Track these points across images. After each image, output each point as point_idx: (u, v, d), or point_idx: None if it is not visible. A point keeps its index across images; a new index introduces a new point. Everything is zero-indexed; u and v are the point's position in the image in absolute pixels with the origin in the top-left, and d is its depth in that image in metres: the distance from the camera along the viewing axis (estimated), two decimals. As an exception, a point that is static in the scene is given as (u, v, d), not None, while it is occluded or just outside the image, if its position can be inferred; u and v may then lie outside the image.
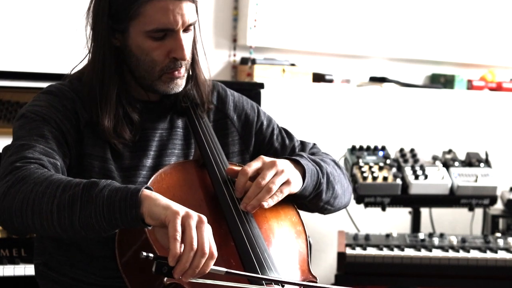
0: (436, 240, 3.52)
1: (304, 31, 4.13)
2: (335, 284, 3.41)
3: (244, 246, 1.97)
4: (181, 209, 1.78)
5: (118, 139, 2.09)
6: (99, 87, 2.08)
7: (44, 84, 2.24)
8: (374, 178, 3.63)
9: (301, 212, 2.18)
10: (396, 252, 3.44)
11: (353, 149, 3.83)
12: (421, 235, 3.57)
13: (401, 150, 3.87)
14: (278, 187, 2.04)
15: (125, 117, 2.11)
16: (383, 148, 3.84)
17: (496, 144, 4.37)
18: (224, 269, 1.81)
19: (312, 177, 2.13)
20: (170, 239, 1.75)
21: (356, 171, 3.68)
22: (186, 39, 2.07)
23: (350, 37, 4.24)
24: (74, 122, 2.07)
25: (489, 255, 3.44)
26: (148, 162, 2.13)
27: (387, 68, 4.38)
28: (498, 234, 3.70)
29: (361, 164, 3.71)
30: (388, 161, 3.74)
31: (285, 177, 2.05)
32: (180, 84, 2.12)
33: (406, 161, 3.80)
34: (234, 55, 4.07)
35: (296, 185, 2.09)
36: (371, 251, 3.45)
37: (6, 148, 2.01)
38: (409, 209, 3.86)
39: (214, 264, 1.79)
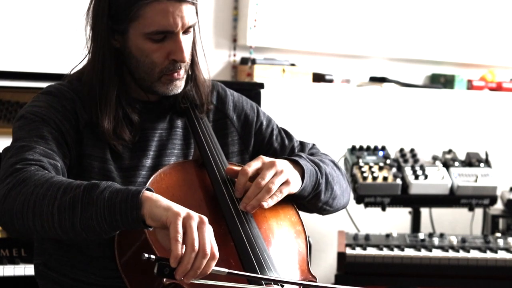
0: (436, 240, 3.52)
1: (304, 31, 4.13)
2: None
3: (243, 246, 1.97)
4: (182, 210, 1.78)
5: (118, 141, 2.09)
6: (99, 87, 2.08)
7: (44, 84, 2.23)
8: (374, 178, 3.63)
9: (300, 212, 2.18)
10: (396, 252, 3.44)
11: (353, 149, 3.83)
12: (421, 235, 3.57)
13: (401, 150, 3.87)
14: (278, 187, 2.04)
15: (125, 118, 2.11)
16: (383, 148, 3.84)
17: (496, 144, 4.37)
18: (226, 270, 1.81)
19: (311, 177, 2.13)
20: (172, 240, 1.75)
21: (356, 171, 3.68)
22: (185, 41, 2.07)
23: (350, 37, 4.24)
24: (73, 122, 2.07)
25: (489, 255, 3.44)
26: (148, 162, 2.13)
27: (387, 68, 4.38)
28: (498, 234, 3.70)
29: (361, 164, 3.71)
30: (388, 161, 3.74)
31: (285, 177, 2.05)
32: (179, 85, 2.12)
33: (406, 161, 3.80)
34: (234, 55, 4.07)
35: (295, 185, 2.09)
36: (371, 251, 3.45)
37: (6, 150, 2.01)
38: (409, 209, 3.85)
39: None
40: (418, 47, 4.40)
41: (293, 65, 4.05)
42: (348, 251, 3.43)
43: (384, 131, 4.23)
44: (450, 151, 3.91)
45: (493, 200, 3.72)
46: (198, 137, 2.16)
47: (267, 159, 2.07)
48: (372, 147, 3.84)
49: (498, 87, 4.48)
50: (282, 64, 4.01)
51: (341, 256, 3.43)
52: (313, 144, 2.36)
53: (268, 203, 2.02)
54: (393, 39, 4.34)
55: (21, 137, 2.00)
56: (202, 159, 2.12)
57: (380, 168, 3.70)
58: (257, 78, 3.91)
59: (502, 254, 3.45)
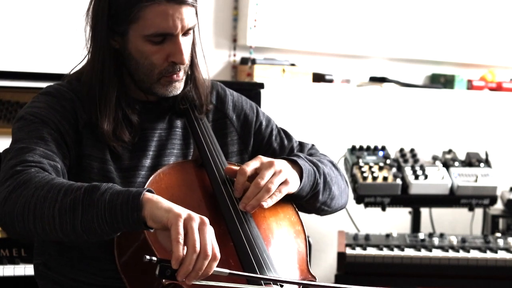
0: (436, 240, 3.52)
1: (304, 31, 4.13)
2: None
3: (243, 247, 1.97)
4: (184, 212, 1.78)
5: (117, 142, 2.09)
6: (99, 87, 2.08)
7: (44, 84, 2.23)
8: (374, 178, 3.63)
9: (300, 212, 2.18)
10: (396, 252, 3.44)
11: (353, 149, 3.83)
12: (421, 235, 3.57)
13: (401, 150, 3.87)
14: (277, 187, 2.04)
15: (125, 119, 2.11)
16: (383, 148, 3.84)
17: (496, 144, 4.37)
18: (227, 271, 1.81)
19: (309, 177, 2.13)
20: (173, 241, 1.75)
21: (356, 171, 3.68)
22: (185, 43, 2.07)
23: (350, 37, 4.24)
24: (73, 122, 2.07)
25: (489, 255, 3.44)
26: (147, 162, 2.13)
27: (387, 68, 4.38)
28: (498, 234, 3.70)
29: (361, 164, 3.71)
30: (388, 161, 3.74)
31: (283, 177, 2.05)
32: (178, 87, 2.12)
33: (406, 161, 3.80)
34: (234, 55, 4.07)
35: (294, 185, 2.09)
36: (371, 251, 3.45)
37: (6, 151, 2.01)
38: (409, 209, 3.86)
39: (214, 265, 1.80)
40: (418, 47, 4.40)
41: (293, 65, 4.05)
42: (348, 251, 3.43)
43: (384, 131, 4.23)
44: (450, 151, 3.91)
45: (493, 200, 3.72)
46: (197, 137, 2.16)
47: (265, 159, 2.07)
48: (372, 147, 3.84)
49: (498, 87, 4.48)
50: (282, 64, 4.01)
51: (341, 256, 3.43)
52: (312, 145, 2.36)
53: (267, 203, 2.02)
54: (393, 39, 4.34)
55: (21, 139, 2.00)
56: (202, 159, 2.12)
57: (380, 168, 3.70)
58: (257, 78, 3.91)
59: (502, 254, 3.45)
